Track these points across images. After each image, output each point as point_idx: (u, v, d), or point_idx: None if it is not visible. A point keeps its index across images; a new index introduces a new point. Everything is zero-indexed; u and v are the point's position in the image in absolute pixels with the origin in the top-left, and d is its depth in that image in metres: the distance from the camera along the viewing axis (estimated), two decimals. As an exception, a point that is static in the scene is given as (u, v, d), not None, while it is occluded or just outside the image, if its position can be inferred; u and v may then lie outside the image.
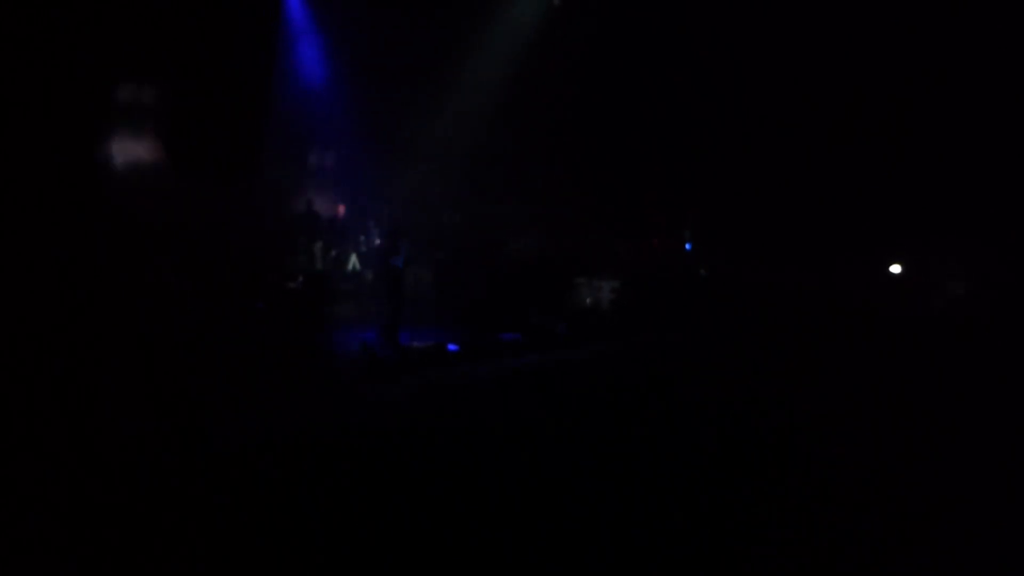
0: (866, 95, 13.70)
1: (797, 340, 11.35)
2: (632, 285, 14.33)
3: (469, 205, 15.50)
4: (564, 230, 15.74)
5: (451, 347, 10.32)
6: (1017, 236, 12.52)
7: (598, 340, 11.97)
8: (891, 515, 5.04)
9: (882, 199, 13.86)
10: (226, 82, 12.77)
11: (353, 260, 14.29)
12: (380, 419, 7.29)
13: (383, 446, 6.29)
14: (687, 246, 15.48)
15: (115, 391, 7.13)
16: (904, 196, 13.68)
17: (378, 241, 13.70)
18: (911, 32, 12.94)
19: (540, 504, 5.05)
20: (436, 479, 5.43)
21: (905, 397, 8.21)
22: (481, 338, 10.89)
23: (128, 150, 11.01)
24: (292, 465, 5.72)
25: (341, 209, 15.38)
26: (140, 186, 11.36)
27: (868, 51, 13.38)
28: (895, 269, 14.24)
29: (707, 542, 4.57)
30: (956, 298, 12.99)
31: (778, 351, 10.73)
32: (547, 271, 14.53)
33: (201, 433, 6.45)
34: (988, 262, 12.94)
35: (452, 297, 13.83)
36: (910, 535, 4.74)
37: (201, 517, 4.68)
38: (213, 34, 12.15)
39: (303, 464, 5.76)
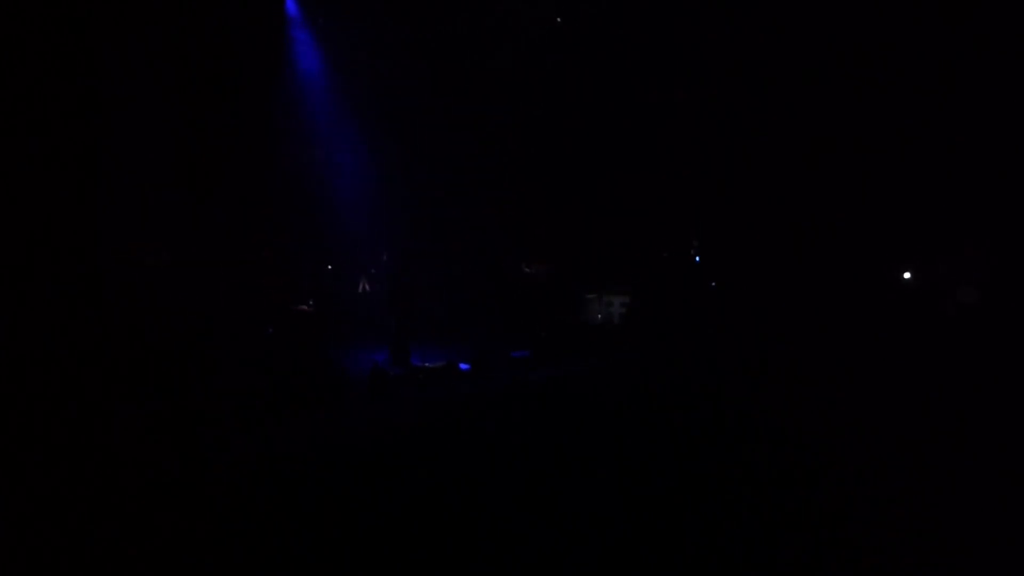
0: (873, 101, 13.66)
1: (807, 348, 11.30)
2: (642, 300, 14.31)
3: (475, 222, 15.52)
4: (573, 245, 15.74)
5: (462, 366, 10.33)
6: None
7: (609, 355, 11.94)
8: (896, 523, 5.00)
9: (893, 205, 13.79)
10: (234, 101, 12.93)
11: (362, 282, 14.35)
12: (389, 435, 7.30)
13: (390, 462, 6.30)
14: (696, 259, 15.45)
15: (126, 407, 7.23)
16: (915, 202, 13.61)
17: (385, 258, 13.73)
18: (916, 38, 12.92)
19: (547, 515, 5.03)
20: (443, 494, 5.42)
21: (916, 405, 8.13)
22: (492, 356, 10.89)
23: (132, 167, 11.05)
24: (299, 480, 5.76)
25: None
26: (144, 208, 11.45)
27: (873, 56, 13.36)
28: (906, 276, 14.16)
29: (718, 553, 4.53)
30: (966, 305, 12.89)
31: (788, 360, 10.67)
32: (557, 287, 14.54)
33: (210, 448, 6.51)
34: (998, 268, 12.84)
35: (462, 316, 13.86)
36: (914, 542, 4.69)
37: (210, 532, 4.73)
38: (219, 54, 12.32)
39: (311, 478, 5.80)
